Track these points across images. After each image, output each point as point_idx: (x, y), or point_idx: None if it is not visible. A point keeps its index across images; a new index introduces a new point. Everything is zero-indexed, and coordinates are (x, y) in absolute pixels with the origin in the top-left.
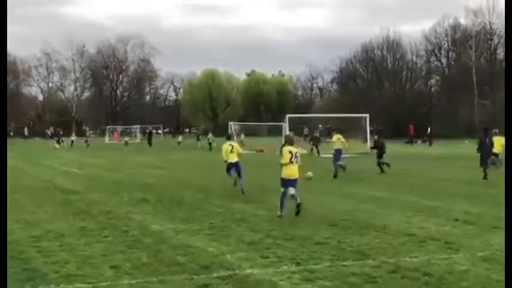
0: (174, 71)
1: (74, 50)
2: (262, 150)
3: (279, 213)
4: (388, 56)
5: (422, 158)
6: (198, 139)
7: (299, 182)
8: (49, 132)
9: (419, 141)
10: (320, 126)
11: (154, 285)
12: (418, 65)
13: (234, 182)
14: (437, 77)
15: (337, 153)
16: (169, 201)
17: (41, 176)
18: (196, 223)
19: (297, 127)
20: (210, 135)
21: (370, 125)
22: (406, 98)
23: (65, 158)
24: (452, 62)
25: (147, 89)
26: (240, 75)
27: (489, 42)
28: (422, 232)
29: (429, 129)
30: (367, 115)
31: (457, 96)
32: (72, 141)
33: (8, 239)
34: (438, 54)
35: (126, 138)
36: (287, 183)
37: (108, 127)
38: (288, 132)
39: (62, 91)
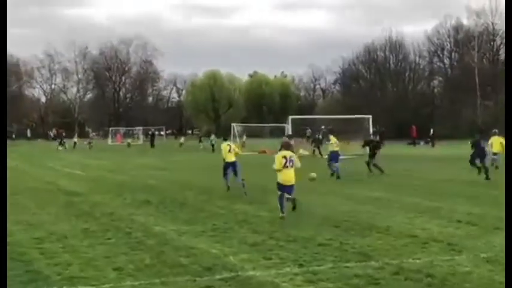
0: (177, 72)
1: (76, 51)
2: (264, 152)
3: (280, 214)
4: (391, 57)
5: (424, 159)
6: (200, 141)
7: (301, 183)
8: (52, 134)
9: (422, 142)
10: (323, 127)
11: (157, 287)
12: (421, 66)
13: (228, 188)
14: (440, 78)
15: (335, 155)
16: (172, 203)
17: (43, 178)
18: (199, 224)
19: (299, 128)
20: (212, 136)
21: (373, 126)
22: (408, 99)
23: (68, 160)
24: (455, 63)
25: (150, 91)
26: (243, 76)
27: (492, 43)
28: (425, 233)
29: (432, 130)
30: (370, 116)
31: (459, 97)
32: (75, 142)
33: (10, 241)
34: (441, 55)
35: (129, 140)
36: (283, 188)
37: (110, 129)
38: (290, 134)
39: (65, 93)
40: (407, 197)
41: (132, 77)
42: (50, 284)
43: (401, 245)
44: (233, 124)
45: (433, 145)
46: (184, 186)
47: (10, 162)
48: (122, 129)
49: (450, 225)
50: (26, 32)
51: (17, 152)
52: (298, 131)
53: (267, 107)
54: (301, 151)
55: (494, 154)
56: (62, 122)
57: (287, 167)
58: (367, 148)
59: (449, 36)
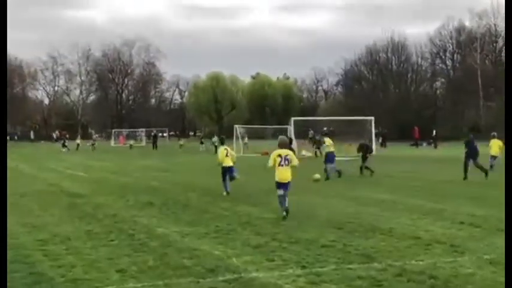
0: (179, 74)
1: (79, 53)
2: (266, 153)
3: (284, 213)
4: (393, 58)
5: (427, 160)
6: (201, 142)
7: (304, 185)
8: (55, 136)
9: (424, 144)
10: (325, 128)
11: None
12: (423, 68)
13: (227, 193)
14: (443, 80)
15: (331, 155)
16: (174, 205)
17: (47, 180)
18: (202, 226)
19: (302, 130)
20: (215, 138)
21: (375, 127)
22: (411, 101)
23: (71, 162)
24: (457, 65)
25: (152, 92)
26: (245, 78)
27: (494, 44)
28: (428, 235)
29: (434, 131)
30: (372, 118)
31: (462, 99)
32: (78, 144)
33: (15, 243)
34: (443, 57)
35: (131, 142)
36: (281, 186)
37: (113, 130)
38: (292, 135)
39: (68, 95)
40: (410, 199)
41: (134, 79)
42: (53, 286)
43: (405, 247)
44: (236, 126)
45: (435, 146)
46: (187, 188)
47: (15, 164)
48: (125, 131)
49: (453, 226)
50: (30, 35)
51: (20, 154)
52: (301, 132)
53: (270, 109)
54: (304, 152)
55: (494, 157)
56: (65, 124)
57: (282, 165)
58: (361, 152)
59: (451, 38)
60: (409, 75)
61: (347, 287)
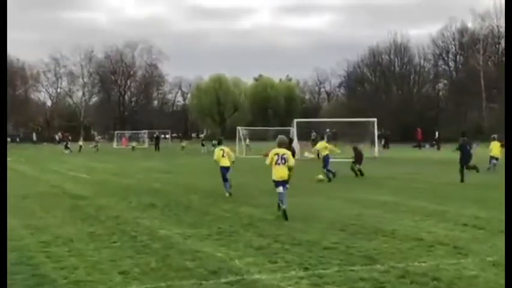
0: (182, 75)
1: (82, 55)
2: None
3: (281, 213)
4: (396, 59)
5: (430, 162)
6: (202, 144)
7: (307, 186)
8: (57, 138)
9: (427, 145)
10: (327, 130)
11: None
12: (426, 69)
13: (229, 194)
14: (445, 81)
15: (325, 159)
16: (177, 206)
17: (49, 182)
18: (204, 228)
19: (304, 132)
20: (215, 140)
21: (378, 129)
22: (413, 102)
23: (73, 163)
24: (460, 66)
25: (155, 94)
26: (248, 79)
27: (497, 45)
28: (431, 237)
29: (437, 133)
30: (375, 119)
31: (465, 100)
32: (80, 146)
33: (19, 245)
34: (446, 58)
35: (133, 144)
36: (278, 184)
37: (116, 132)
38: (295, 137)
39: (70, 96)
40: (413, 200)
41: (137, 81)
42: (56, 287)
43: (407, 249)
44: (238, 127)
45: (438, 148)
46: (189, 190)
47: (19, 167)
48: (127, 133)
49: (456, 228)
50: (32, 36)
51: (23, 156)
52: (303, 134)
53: (272, 110)
54: (307, 154)
55: (495, 159)
56: (67, 125)
57: (279, 164)
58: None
59: (454, 39)
60: (411, 77)
61: None
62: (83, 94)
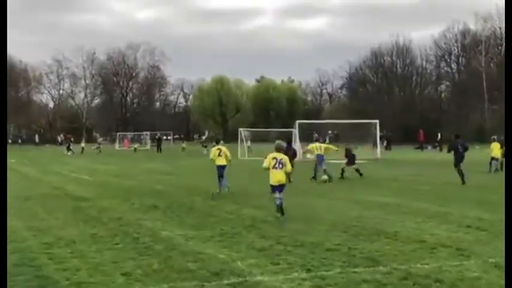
0: (184, 77)
1: (84, 57)
2: None
3: (279, 215)
4: (398, 61)
5: (432, 164)
6: (202, 146)
7: (309, 188)
8: (60, 139)
9: (429, 147)
10: (329, 131)
11: None
12: (428, 71)
13: (219, 192)
14: (447, 83)
15: (319, 157)
16: (179, 208)
17: (51, 183)
18: (206, 229)
19: (306, 133)
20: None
21: (380, 130)
22: (416, 104)
23: (75, 165)
24: (462, 68)
25: (157, 96)
26: (250, 81)
27: (499, 47)
28: (434, 238)
29: (439, 134)
30: (377, 121)
31: (467, 102)
32: (83, 147)
33: (22, 247)
34: (448, 60)
35: (136, 145)
36: (275, 188)
37: (118, 134)
38: (297, 138)
39: (73, 98)
40: (415, 202)
41: (139, 82)
42: None
43: (410, 250)
44: (240, 129)
45: (440, 149)
46: (192, 191)
47: (22, 169)
48: (130, 134)
49: (459, 230)
50: (34, 38)
51: (26, 157)
52: (305, 135)
53: (274, 112)
54: (309, 155)
55: (496, 159)
56: (69, 127)
57: (276, 168)
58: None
59: (456, 41)
60: (413, 79)
61: None
62: (85, 96)
